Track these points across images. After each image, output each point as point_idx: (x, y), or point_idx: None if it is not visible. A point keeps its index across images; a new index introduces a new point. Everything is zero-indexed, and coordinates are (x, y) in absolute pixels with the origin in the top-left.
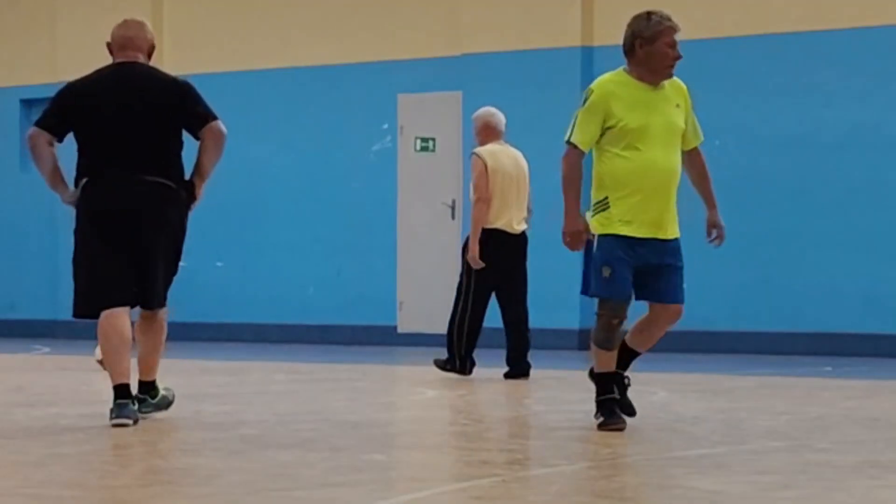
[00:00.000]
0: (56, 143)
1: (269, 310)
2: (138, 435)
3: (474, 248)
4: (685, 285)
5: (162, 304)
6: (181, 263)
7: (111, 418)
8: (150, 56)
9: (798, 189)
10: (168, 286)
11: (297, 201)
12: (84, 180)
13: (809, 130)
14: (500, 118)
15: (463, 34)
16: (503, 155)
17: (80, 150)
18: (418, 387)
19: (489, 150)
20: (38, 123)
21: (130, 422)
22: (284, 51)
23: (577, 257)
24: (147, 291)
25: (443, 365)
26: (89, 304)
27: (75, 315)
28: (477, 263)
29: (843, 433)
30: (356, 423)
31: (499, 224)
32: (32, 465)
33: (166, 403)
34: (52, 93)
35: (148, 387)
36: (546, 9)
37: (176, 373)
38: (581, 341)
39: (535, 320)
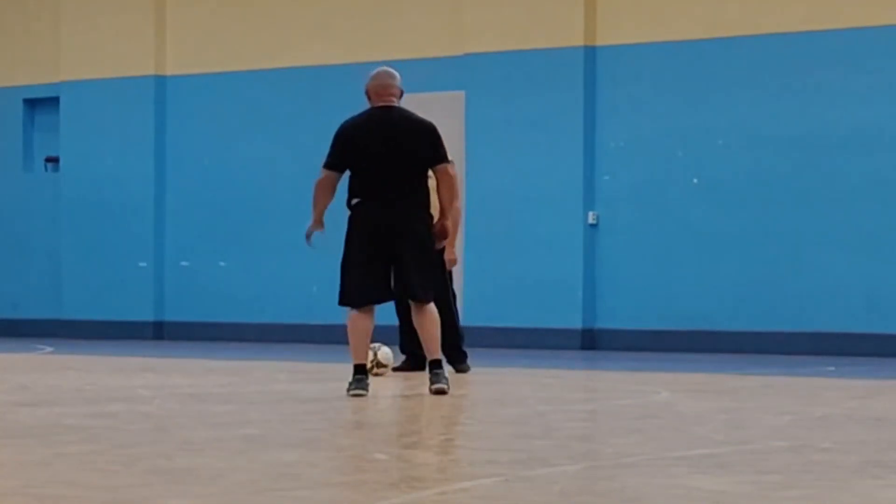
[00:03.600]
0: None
1: (271, 309)
2: (141, 435)
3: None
4: (689, 284)
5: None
6: (184, 263)
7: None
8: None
9: (800, 189)
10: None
11: (299, 201)
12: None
13: (811, 130)
14: None
15: (465, 34)
16: None
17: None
18: (419, 386)
19: None
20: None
21: (366, 393)
22: (284, 51)
23: (577, 258)
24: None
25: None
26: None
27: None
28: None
29: (847, 433)
30: (359, 422)
31: None
32: (36, 465)
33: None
34: (54, 92)
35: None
36: (549, 8)
37: (179, 372)
38: (583, 341)
39: (537, 320)
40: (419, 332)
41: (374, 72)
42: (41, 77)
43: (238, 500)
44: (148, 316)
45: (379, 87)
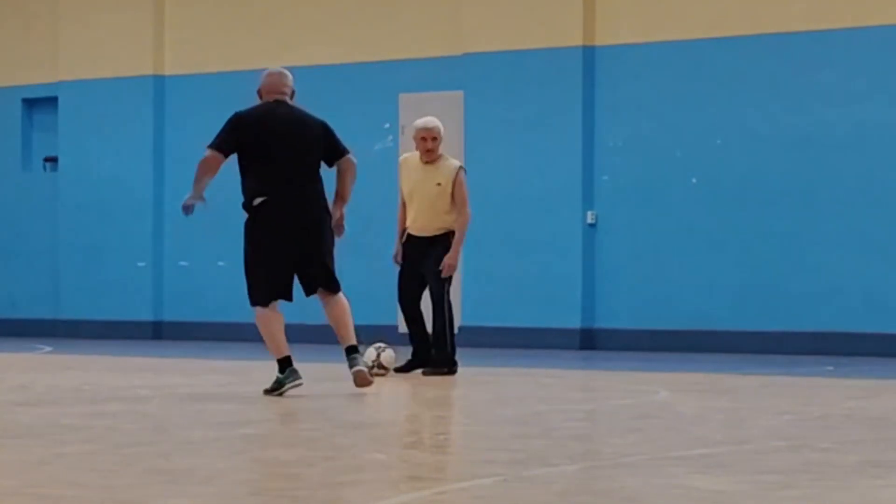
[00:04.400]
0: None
1: None
2: (140, 434)
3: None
4: (688, 284)
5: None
6: (183, 263)
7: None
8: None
9: (799, 188)
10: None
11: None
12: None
13: (810, 130)
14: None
15: (464, 34)
16: None
17: None
18: (419, 386)
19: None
20: None
21: (303, 381)
22: (284, 51)
23: (576, 258)
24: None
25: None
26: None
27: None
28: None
29: (845, 433)
30: (357, 422)
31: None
32: (35, 465)
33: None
34: (53, 92)
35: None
36: (547, 8)
37: (178, 372)
38: (582, 341)
39: (536, 320)
40: (333, 321)
41: (267, 71)
42: (40, 77)
43: (237, 499)
44: (147, 316)
45: (271, 85)
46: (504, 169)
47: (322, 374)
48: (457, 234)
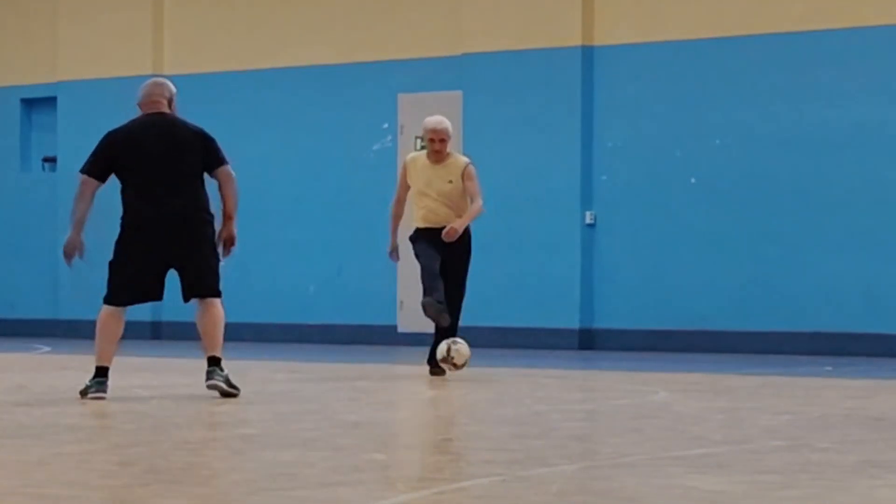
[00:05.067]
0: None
1: (269, 309)
2: (139, 434)
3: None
4: (687, 284)
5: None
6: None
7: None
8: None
9: (798, 189)
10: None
11: (297, 201)
12: None
13: (809, 130)
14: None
15: (463, 34)
16: None
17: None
18: (418, 386)
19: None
20: None
21: (106, 395)
22: (284, 51)
23: (574, 258)
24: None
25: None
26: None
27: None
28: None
29: (844, 433)
30: (356, 422)
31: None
32: (33, 465)
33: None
34: (52, 92)
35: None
36: (546, 8)
37: (177, 372)
38: (581, 341)
39: (535, 320)
40: (203, 328)
41: (142, 85)
42: (39, 77)
43: (235, 499)
44: (145, 316)
45: (145, 97)
46: (503, 169)
47: (322, 374)
48: (468, 212)
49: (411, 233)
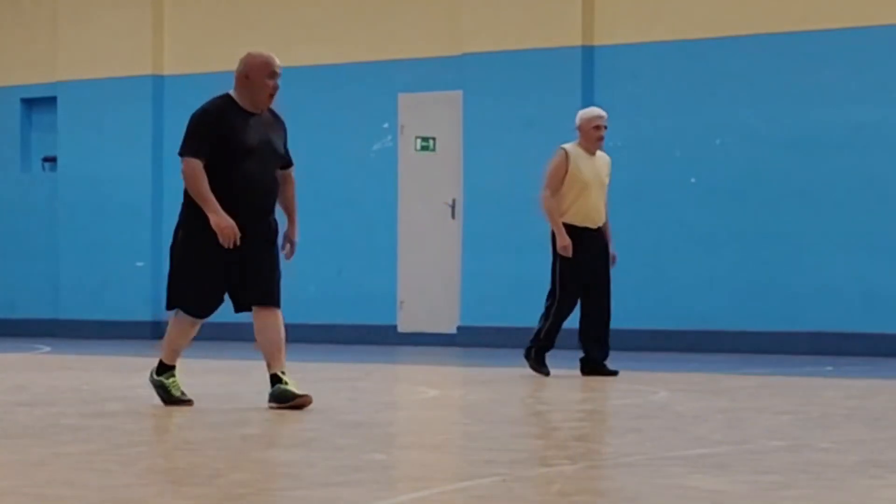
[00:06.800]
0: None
1: None
2: (139, 434)
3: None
4: (687, 284)
5: None
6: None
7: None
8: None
9: (798, 189)
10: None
11: (297, 200)
12: None
13: (810, 130)
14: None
15: (463, 34)
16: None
17: None
18: (419, 386)
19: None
20: None
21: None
22: (284, 51)
23: None
24: None
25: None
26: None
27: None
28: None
29: (845, 433)
30: (357, 422)
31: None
32: (33, 465)
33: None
34: (52, 92)
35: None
36: (546, 8)
37: (177, 372)
38: None
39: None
40: (265, 338)
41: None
42: (39, 76)
43: (235, 499)
44: (146, 315)
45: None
46: (503, 169)
47: (323, 374)
48: (608, 222)
49: (553, 232)
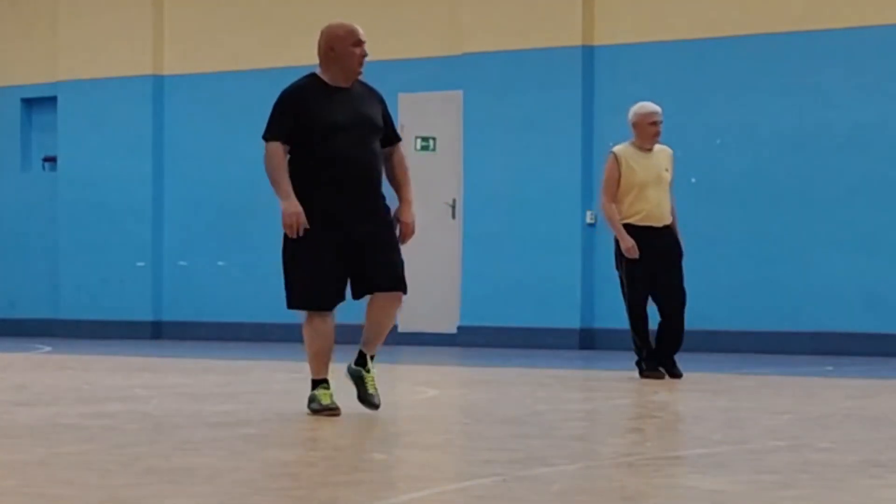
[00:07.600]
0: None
1: (270, 309)
2: (139, 434)
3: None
4: (687, 284)
5: None
6: (182, 263)
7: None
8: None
9: (799, 189)
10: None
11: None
12: None
13: (810, 130)
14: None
15: (463, 33)
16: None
17: None
18: (419, 386)
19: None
20: None
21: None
22: (282, 50)
23: (575, 257)
24: None
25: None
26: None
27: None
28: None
29: (845, 432)
30: (357, 422)
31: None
32: (33, 464)
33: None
34: (52, 91)
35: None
36: (547, 8)
37: (177, 372)
38: (581, 341)
39: (535, 320)
40: (376, 322)
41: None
42: (39, 76)
43: (236, 499)
44: (146, 315)
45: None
46: (503, 169)
47: None
48: (676, 217)
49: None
